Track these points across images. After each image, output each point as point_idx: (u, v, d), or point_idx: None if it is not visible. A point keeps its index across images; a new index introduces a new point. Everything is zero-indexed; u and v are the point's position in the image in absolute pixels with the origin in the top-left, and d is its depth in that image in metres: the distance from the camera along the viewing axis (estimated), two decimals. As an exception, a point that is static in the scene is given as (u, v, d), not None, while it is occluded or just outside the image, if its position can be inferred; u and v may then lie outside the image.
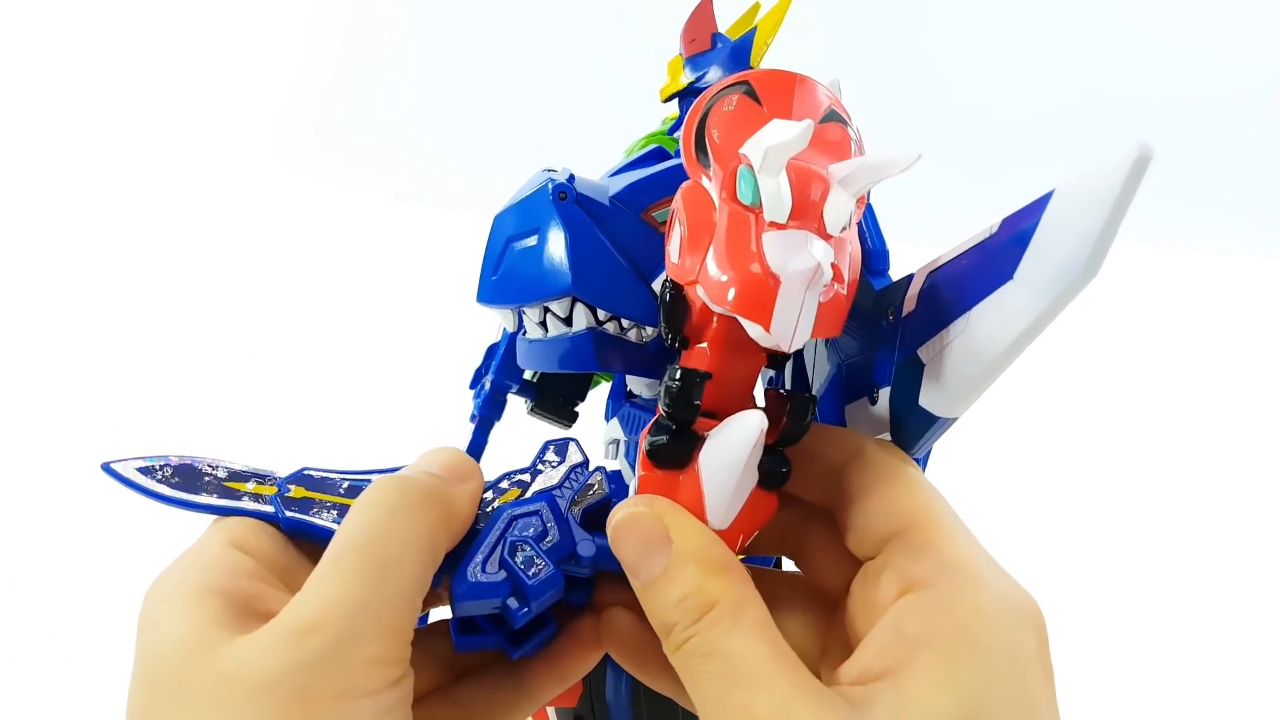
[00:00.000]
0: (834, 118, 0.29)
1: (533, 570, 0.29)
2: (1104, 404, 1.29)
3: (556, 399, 0.56)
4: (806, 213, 0.25)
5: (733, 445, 0.27)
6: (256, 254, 1.78)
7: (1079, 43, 2.14)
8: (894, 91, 1.87)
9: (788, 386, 0.41)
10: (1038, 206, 0.24)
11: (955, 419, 0.28)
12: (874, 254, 0.36)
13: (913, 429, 0.29)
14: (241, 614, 0.26)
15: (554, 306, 0.37)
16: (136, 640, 0.26)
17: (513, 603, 0.29)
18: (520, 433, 0.55)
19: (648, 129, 0.53)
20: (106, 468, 0.30)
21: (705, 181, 0.28)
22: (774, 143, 0.25)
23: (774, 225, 0.25)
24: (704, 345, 0.29)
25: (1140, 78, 2.09)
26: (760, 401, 0.31)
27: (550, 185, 0.36)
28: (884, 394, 0.31)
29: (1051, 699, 0.25)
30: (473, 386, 0.57)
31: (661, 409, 0.28)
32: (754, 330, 0.25)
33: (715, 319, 0.28)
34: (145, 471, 0.30)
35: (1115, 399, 1.31)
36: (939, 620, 0.24)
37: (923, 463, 0.33)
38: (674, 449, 0.28)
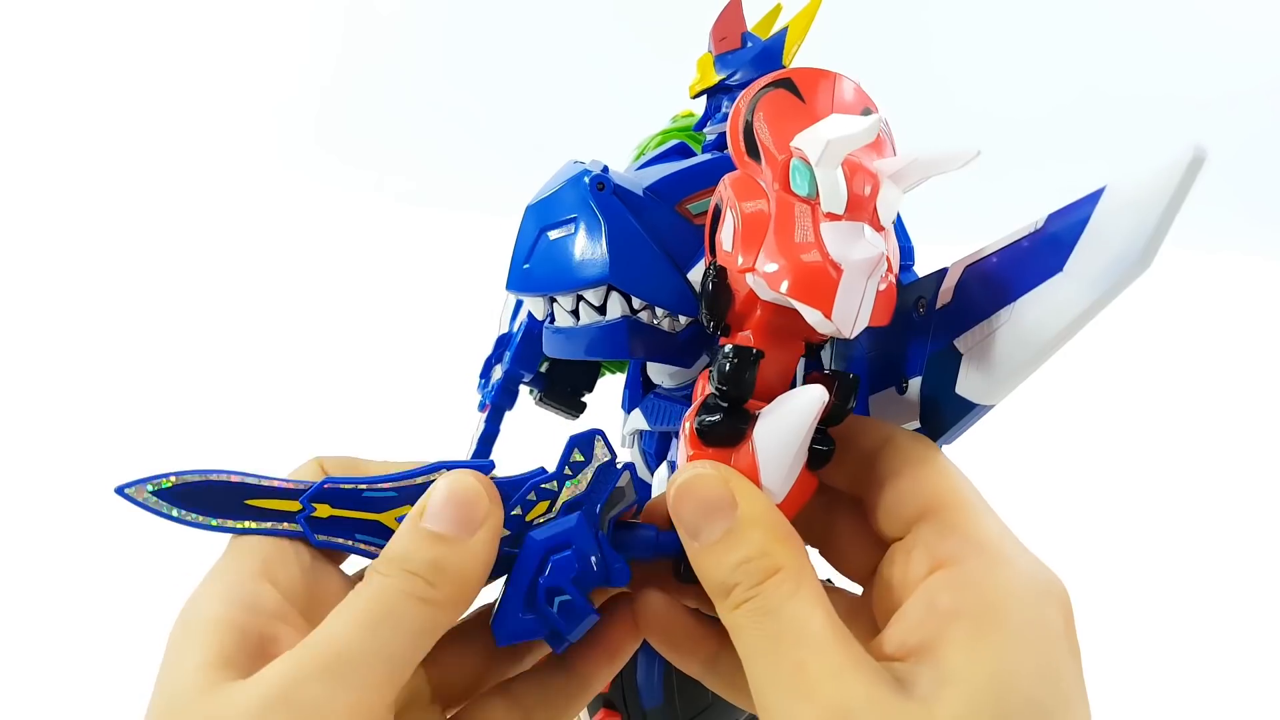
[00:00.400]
0: (868, 114, 0.30)
1: (570, 619, 0.30)
2: (1108, 401, 1.31)
3: (565, 389, 0.57)
4: (859, 205, 0.26)
5: (795, 417, 0.27)
6: (257, 254, 1.78)
7: (1081, 44, 2.16)
8: (910, 91, 1.88)
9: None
10: (1088, 203, 0.25)
11: (992, 407, 0.29)
12: (900, 250, 0.37)
13: (949, 416, 0.30)
14: (253, 655, 0.26)
15: (588, 295, 0.37)
16: (161, 662, 0.27)
17: (552, 640, 0.30)
18: (528, 422, 0.56)
19: (649, 128, 0.53)
20: (120, 491, 0.29)
21: (756, 174, 0.29)
22: (837, 136, 0.25)
23: (830, 216, 0.26)
24: (746, 333, 0.30)
25: (1140, 78, 2.10)
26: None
27: (588, 177, 0.37)
28: (914, 383, 0.32)
29: (1078, 674, 0.26)
30: (483, 377, 0.58)
31: (713, 388, 0.29)
32: (812, 316, 0.26)
33: (759, 307, 0.29)
34: (161, 494, 0.29)
35: (1118, 397, 1.33)
36: (969, 595, 0.25)
37: None
38: (726, 427, 0.29)
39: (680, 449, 0.31)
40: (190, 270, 1.71)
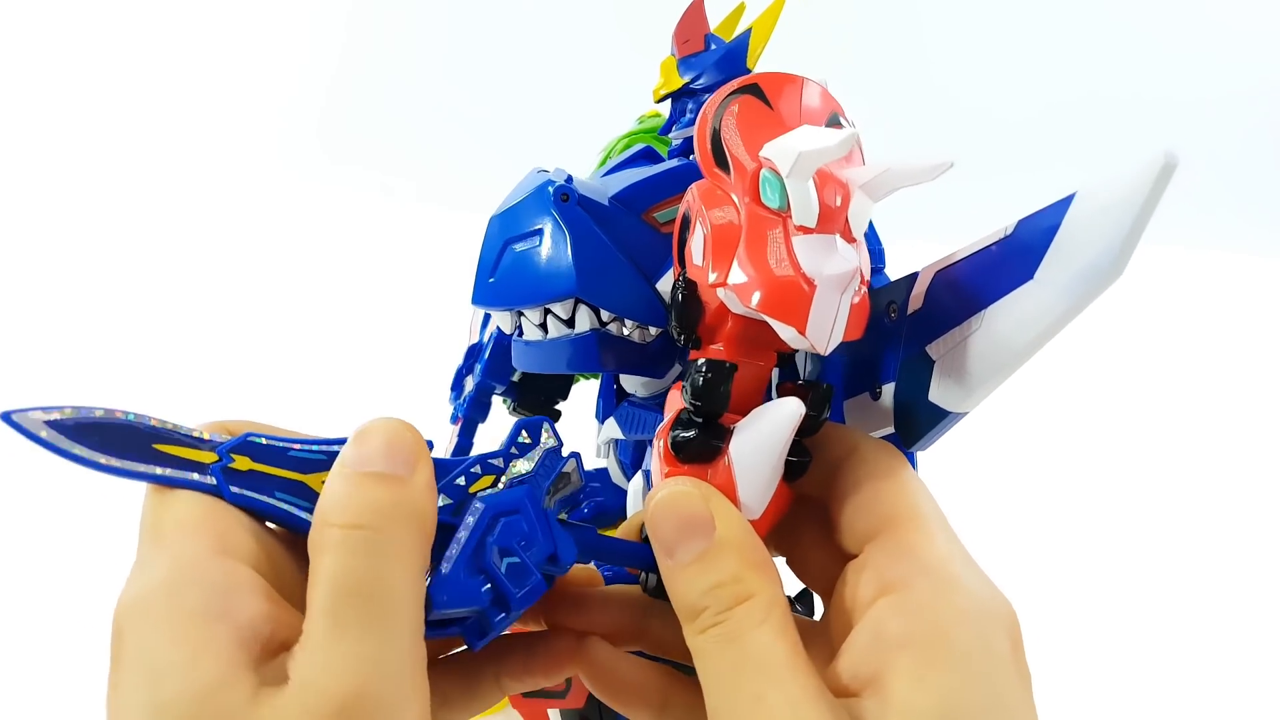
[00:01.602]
0: (836, 121, 0.30)
1: (519, 581, 0.27)
2: (1101, 403, 1.30)
3: (539, 398, 0.56)
4: (830, 217, 0.26)
5: (771, 431, 0.27)
6: (260, 255, 1.76)
7: (1076, 43, 2.16)
8: (885, 91, 1.87)
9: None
10: (1058, 209, 0.24)
11: (965, 414, 0.29)
12: (871, 253, 0.37)
13: (923, 423, 0.30)
14: (258, 647, 0.23)
15: (556, 308, 0.37)
16: (130, 679, 0.22)
17: (494, 610, 0.28)
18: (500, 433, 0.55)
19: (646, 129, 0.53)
20: (7, 418, 0.24)
21: (725, 185, 0.28)
22: (810, 149, 0.25)
23: (802, 230, 0.25)
24: (718, 346, 0.29)
25: (1137, 79, 2.09)
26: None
27: (551, 187, 0.36)
28: (888, 389, 0.32)
29: (1027, 700, 0.25)
30: (454, 389, 0.57)
31: (687, 403, 0.29)
32: (786, 332, 0.25)
33: (730, 319, 0.28)
34: (55, 425, 0.25)
35: (1113, 398, 1.32)
36: (914, 623, 0.25)
37: (910, 460, 0.34)
38: (701, 443, 0.28)
39: (654, 463, 0.30)
40: (193, 271, 1.69)
